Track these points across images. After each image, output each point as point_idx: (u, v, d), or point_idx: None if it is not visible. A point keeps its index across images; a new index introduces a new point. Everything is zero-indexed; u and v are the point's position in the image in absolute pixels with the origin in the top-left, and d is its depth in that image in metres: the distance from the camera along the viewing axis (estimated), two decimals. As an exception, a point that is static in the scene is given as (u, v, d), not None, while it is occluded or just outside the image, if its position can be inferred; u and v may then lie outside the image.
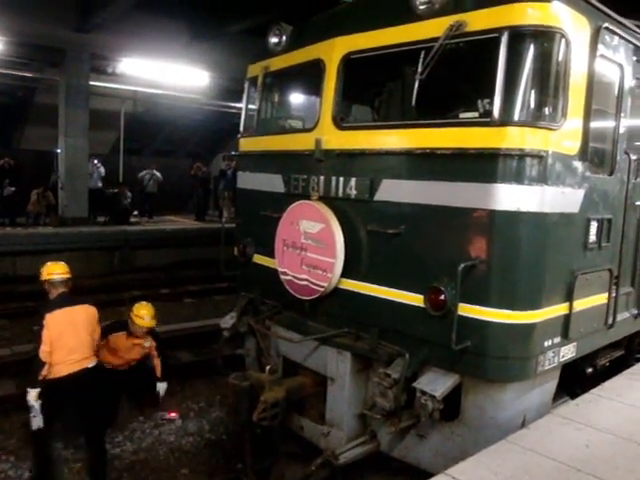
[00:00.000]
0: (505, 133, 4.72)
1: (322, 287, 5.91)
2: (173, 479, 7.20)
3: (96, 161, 21.89)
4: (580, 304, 5.32)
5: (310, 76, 6.61)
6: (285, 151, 6.68)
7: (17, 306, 13.64)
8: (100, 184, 21.91)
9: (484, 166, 4.78)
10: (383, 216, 5.52)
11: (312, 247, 6.02)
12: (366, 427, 5.95)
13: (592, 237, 5.47)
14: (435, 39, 5.02)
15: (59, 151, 20.57)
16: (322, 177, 6.06)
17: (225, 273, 7.66)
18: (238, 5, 17.35)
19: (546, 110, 4.97)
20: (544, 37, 4.83)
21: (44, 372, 6.31)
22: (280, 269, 6.45)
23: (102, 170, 22.14)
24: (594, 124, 5.18)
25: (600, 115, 5.40)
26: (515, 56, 4.75)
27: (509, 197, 4.70)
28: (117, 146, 25.02)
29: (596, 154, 5.49)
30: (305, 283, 6.11)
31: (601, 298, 5.75)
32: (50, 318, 6.39)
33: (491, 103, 4.87)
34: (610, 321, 5.89)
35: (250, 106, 7.61)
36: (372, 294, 5.64)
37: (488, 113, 4.99)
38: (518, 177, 4.70)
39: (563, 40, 4.83)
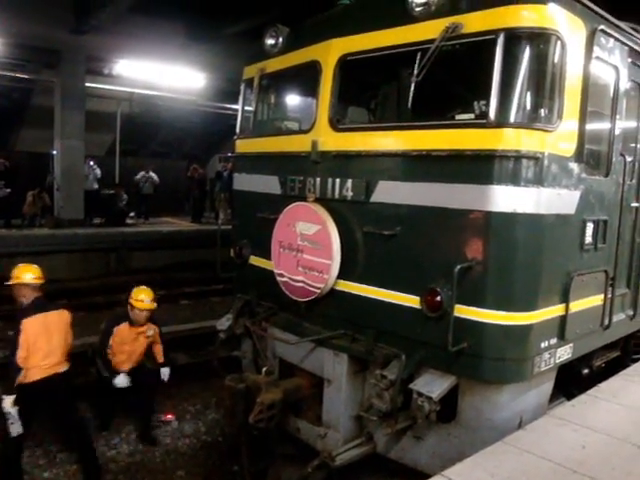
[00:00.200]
0: (501, 135, 4.73)
1: (318, 289, 5.90)
2: (169, 481, 7.20)
3: (92, 162, 21.86)
4: (576, 305, 5.33)
5: (306, 78, 6.60)
6: (281, 153, 6.68)
7: (13, 308, 13.56)
8: (96, 186, 21.89)
9: (480, 168, 4.78)
10: (379, 218, 5.52)
11: (308, 249, 6.01)
12: (363, 429, 5.95)
13: (588, 238, 5.48)
14: (431, 41, 5.03)
15: (55, 152, 20.54)
16: (318, 179, 6.06)
17: (221, 275, 7.66)
18: (234, 7, 17.36)
19: (542, 112, 4.98)
20: (540, 39, 4.84)
21: (20, 378, 6.27)
22: (276, 271, 6.45)
23: (98, 172, 22.11)
24: (590, 126, 5.19)
25: (596, 117, 5.41)
26: (511, 58, 4.76)
27: (505, 198, 4.70)
28: (113, 148, 24.99)
29: (592, 156, 5.51)
30: (301, 285, 6.11)
31: (597, 299, 5.76)
32: (27, 323, 6.34)
33: (487, 105, 4.88)
34: (606, 322, 5.90)
35: (246, 108, 7.61)
36: (368, 295, 5.64)
37: (484, 115, 4.99)
38: (514, 179, 4.70)
39: (559, 42, 4.84)
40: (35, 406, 6.54)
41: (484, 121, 4.85)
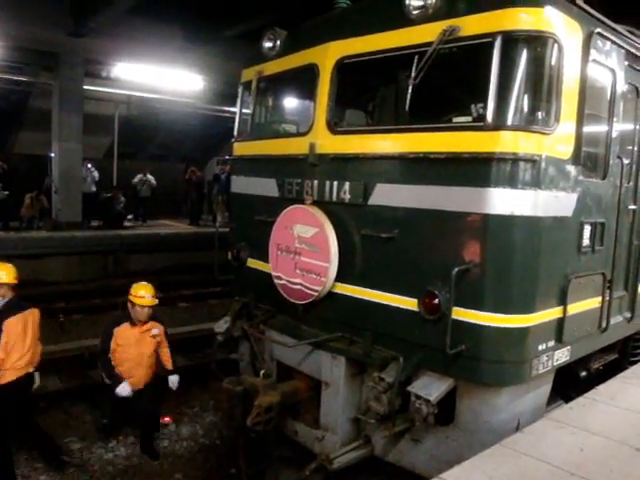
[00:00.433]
0: (498, 137, 4.73)
1: (316, 291, 5.90)
2: (167, 484, 7.19)
3: (90, 165, 21.84)
4: (574, 308, 5.34)
5: (304, 81, 6.61)
6: (279, 155, 6.68)
7: None
8: (94, 188, 21.86)
9: (478, 170, 4.79)
10: (377, 220, 5.52)
11: (306, 251, 6.01)
12: (360, 431, 5.95)
13: (585, 241, 5.48)
14: (428, 44, 5.04)
15: (53, 155, 20.53)
16: (316, 181, 6.06)
17: (219, 277, 7.65)
18: (233, 10, 17.37)
19: (539, 114, 4.98)
20: (537, 42, 4.85)
21: None
22: (274, 273, 6.45)
23: (96, 174, 22.09)
24: (587, 128, 5.20)
25: (593, 119, 5.43)
26: (508, 61, 4.77)
27: (503, 201, 4.70)
28: (111, 150, 24.99)
29: (589, 158, 5.51)
30: (299, 287, 6.11)
31: (595, 302, 5.77)
32: (9, 324, 6.32)
33: (484, 107, 4.89)
34: (604, 325, 5.90)
35: (244, 110, 7.60)
36: (366, 298, 5.64)
37: (481, 117, 5.00)
38: (512, 181, 4.71)
39: (556, 45, 4.86)
40: (9, 408, 6.50)
41: (481, 124, 4.86)
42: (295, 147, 6.33)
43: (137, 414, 7.78)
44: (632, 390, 5.87)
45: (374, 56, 5.65)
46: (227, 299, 8.37)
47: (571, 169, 5.15)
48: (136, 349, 7.38)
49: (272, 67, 6.94)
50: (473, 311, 4.84)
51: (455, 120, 5.92)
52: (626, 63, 5.86)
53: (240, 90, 7.62)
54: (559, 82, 4.92)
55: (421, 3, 5.17)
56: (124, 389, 7.22)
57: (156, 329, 7.57)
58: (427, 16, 5.15)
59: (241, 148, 7.57)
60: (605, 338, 6.17)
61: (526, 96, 4.92)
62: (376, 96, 7.63)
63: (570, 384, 6.22)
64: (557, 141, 4.96)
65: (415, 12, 5.22)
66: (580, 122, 5.13)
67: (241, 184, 7.52)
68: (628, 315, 6.60)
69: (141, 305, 7.34)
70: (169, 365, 7.74)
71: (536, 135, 4.81)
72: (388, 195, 5.42)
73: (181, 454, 7.80)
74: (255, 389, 6.02)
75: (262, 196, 6.91)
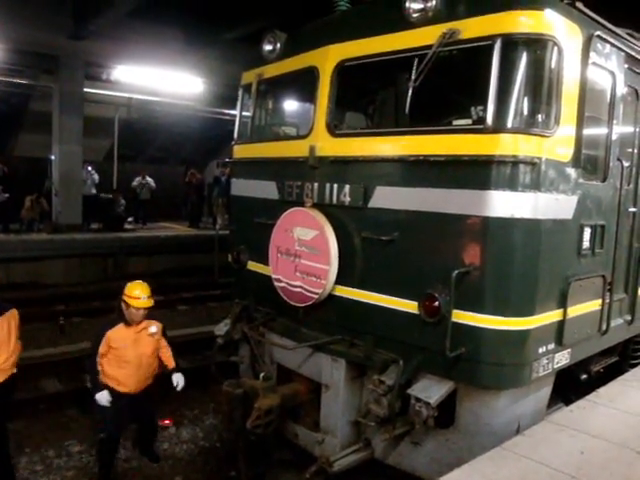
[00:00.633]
0: (498, 140, 4.74)
1: (316, 294, 5.90)
2: (166, 487, 7.17)
3: (90, 168, 21.84)
4: (574, 310, 5.34)
5: (304, 83, 6.62)
6: (279, 158, 6.68)
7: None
8: (94, 191, 21.86)
9: (478, 173, 4.79)
10: (377, 223, 5.53)
11: (306, 254, 6.01)
12: (360, 434, 5.95)
13: (585, 243, 5.49)
14: (428, 47, 5.05)
15: (53, 158, 20.53)
16: (316, 184, 6.06)
17: (219, 280, 7.64)
18: (233, 12, 17.38)
19: (539, 117, 4.99)
20: (537, 45, 4.86)
21: None
22: (274, 276, 6.45)
23: (96, 177, 22.09)
24: (587, 131, 5.21)
25: (593, 122, 5.43)
26: (508, 64, 4.78)
27: (503, 204, 4.71)
28: (111, 153, 24.94)
29: (589, 161, 5.52)
30: (299, 290, 6.11)
31: (595, 304, 5.77)
32: None
33: (484, 110, 4.89)
34: (604, 327, 5.90)
35: (244, 113, 7.61)
36: (366, 301, 5.64)
37: (481, 120, 5.01)
38: (512, 184, 4.71)
39: (556, 48, 4.87)
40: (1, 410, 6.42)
41: (481, 126, 4.87)
42: (295, 150, 6.34)
43: (134, 419, 7.43)
44: (632, 393, 5.87)
45: (374, 59, 5.66)
46: (227, 302, 8.36)
47: (571, 172, 5.16)
48: (134, 350, 6.72)
49: (272, 70, 6.95)
50: (473, 314, 4.84)
51: (455, 123, 5.94)
52: (626, 66, 5.87)
53: (240, 93, 7.63)
54: (559, 85, 4.93)
55: (421, 6, 5.18)
56: (103, 397, 6.60)
57: (153, 327, 6.93)
58: (427, 19, 5.16)
59: (241, 151, 7.58)
60: (605, 341, 6.16)
61: (526, 99, 4.93)
62: (376, 99, 7.64)
63: (570, 387, 6.22)
64: (557, 144, 4.97)
65: (415, 15, 5.23)
66: (580, 125, 5.14)
67: (241, 187, 7.53)
68: (628, 318, 6.60)
69: (136, 307, 6.66)
70: (171, 364, 7.11)
71: (536, 138, 4.82)
72: (388, 198, 5.42)
73: (181, 457, 7.78)
74: (255, 392, 6.01)
75: (262, 199, 6.91)
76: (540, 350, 5.06)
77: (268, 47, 6.95)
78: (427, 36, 5.11)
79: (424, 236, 5.17)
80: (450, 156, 4.93)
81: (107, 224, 21.12)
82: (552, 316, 5.14)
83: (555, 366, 5.33)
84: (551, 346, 5.18)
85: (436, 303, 4.95)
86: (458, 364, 4.92)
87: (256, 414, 5.79)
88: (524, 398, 5.33)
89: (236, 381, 6.39)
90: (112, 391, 6.66)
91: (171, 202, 26.79)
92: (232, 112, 15.45)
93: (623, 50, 5.78)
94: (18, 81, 20.97)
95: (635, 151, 6.38)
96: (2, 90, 21.23)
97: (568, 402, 5.91)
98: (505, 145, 4.72)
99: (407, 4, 5.25)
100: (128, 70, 20.58)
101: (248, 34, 16.48)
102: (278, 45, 6.84)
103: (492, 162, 4.72)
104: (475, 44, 4.88)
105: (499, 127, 4.77)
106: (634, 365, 7.17)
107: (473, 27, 4.86)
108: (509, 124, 4.79)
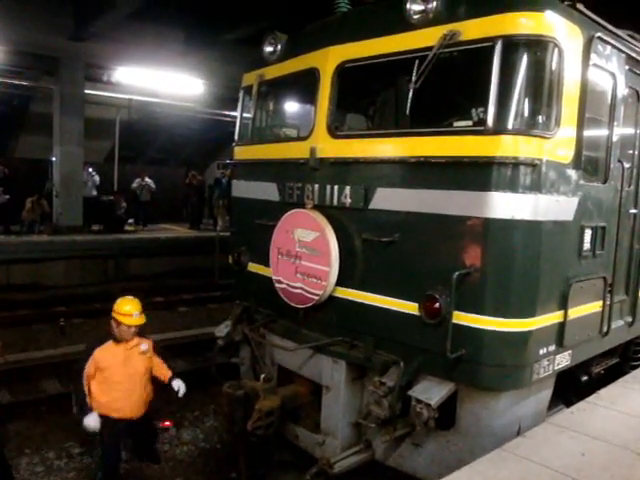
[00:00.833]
0: (499, 141, 4.74)
1: (317, 295, 5.90)
2: (167, 488, 7.17)
3: (91, 169, 21.86)
4: (575, 312, 5.33)
5: (305, 85, 6.62)
6: (280, 159, 6.68)
7: (10, 314, 13.58)
8: (95, 192, 21.88)
9: (478, 174, 4.79)
10: (378, 224, 5.52)
11: (307, 255, 6.01)
12: (361, 436, 5.94)
13: (586, 245, 5.48)
14: (429, 48, 5.05)
15: (54, 159, 20.54)
16: (317, 185, 6.06)
17: (220, 281, 7.64)
18: (233, 14, 17.40)
19: (540, 119, 4.99)
20: (537, 46, 4.86)
21: None
22: (275, 277, 6.44)
23: (97, 178, 22.12)
24: (587, 132, 5.21)
25: (593, 123, 5.43)
26: (509, 65, 4.78)
27: (503, 205, 4.71)
28: (112, 154, 24.95)
29: (590, 162, 5.51)
30: (300, 291, 6.10)
31: (595, 306, 5.76)
32: None
33: (485, 112, 4.90)
34: (605, 329, 5.90)
35: (245, 114, 7.61)
36: (367, 302, 5.64)
37: (482, 122, 5.02)
38: (512, 185, 4.71)
39: (556, 49, 4.87)
40: None
41: (482, 128, 4.87)
42: (296, 151, 6.34)
43: (134, 448, 6.98)
44: (633, 395, 5.87)
45: (375, 60, 5.66)
46: (228, 303, 8.35)
47: (572, 173, 5.15)
48: (126, 369, 6.22)
49: (273, 71, 6.95)
50: (474, 315, 4.83)
51: (456, 124, 5.92)
52: (627, 67, 5.87)
53: (241, 94, 7.63)
54: (559, 86, 4.92)
55: (422, 7, 5.18)
56: (92, 420, 6.08)
57: (144, 344, 6.42)
58: (428, 20, 5.16)
59: (242, 152, 7.58)
60: (606, 342, 6.16)
61: (527, 100, 4.93)
62: (377, 100, 7.64)
63: (571, 388, 6.21)
64: (558, 145, 4.97)
65: (416, 16, 5.23)
66: (581, 126, 5.14)
67: (242, 188, 7.53)
68: (629, 319, 6.60)
69: (128, 325, 6.18)
70: (168, 375, 6.63)
71: (537, 139, 4.82)
72: (389, 199, 5.42)
73: (182, 458, 7.78)
74: (256, 393, 6.01)
75: (263, 200, 6.91)
76: (541, 352, 5.06)
77: (269, 48, 6.96)
78: (428, 37, 5.11)
79: (425, 237, 5.17)
80: (451, 157, 4.93)
81: (108, 226, 21.13)
82: (553, 318, 5.13)
83: (556, 368, 5.33)
84: (552, 348, 5.18)
85: (437, 304, 4.94)
86: (459, 365, 4.92)
87: (257, 415, 5.79)
88: (525, 400, 5.33)
89: (237, 383, 6.39)
90: (106, 419, 6.17)
91: (171, 204, 26.81)
92: (233, 113, 15.46)
93: (624, 51, 5.78)
94: (19, 83, 21.00)
95: (636, 152, 6.38)
96: (3, 92, 21.25)
97: (569, 404, 5.90)
98: (506, 146, 4.72)
99: (408, 5, 5.25)
100: (129, 71, 20.59)
101: (249, 35, 16.49)
102: (279, 46, 6.84)
103: (493, 163, 4.72)
104: (476, 45, 4.88)
105: (500, 128, 4.76)
106: (635, 367, 7.17)
107: (474, 28, 4.86)
108: (510, 125, 4.79)
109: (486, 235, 4.78)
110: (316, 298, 5.91)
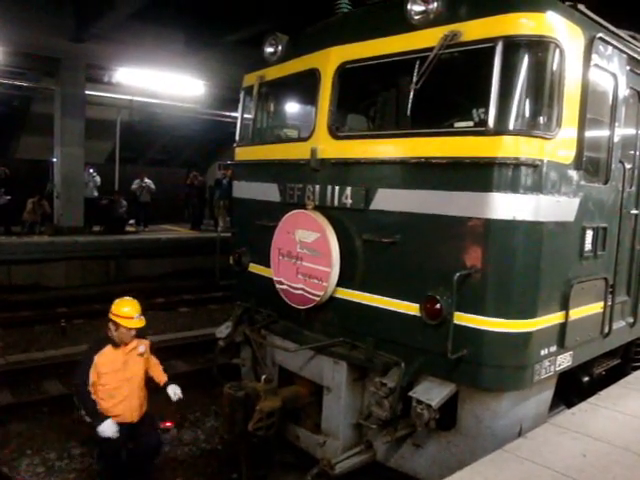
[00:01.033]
0: (500, 142, 4.74)
1: (318, 296, 5.89)
2: (168, 489, 7.16)
3: (92, 170, 21.89)
4: (576, 313, 5.32)
5: (305, 85, 6.61)
6: (281, 160, 6.68)
7: (12, 315, 13.59)
8: (96, 193, 21.91)
9: (479, 175, 4.79)
10: (379, 225, 5.52)
11: (308, 256, 6.01)
12: (362, 437, 5.93)
13: (587, 246, 5.48)
14: (430, 49, 5.04)
15: (55, 160, 20.56)
16: (318, 186, 6.06)
17: (221, 282, 7.63)
18: (234, 14, 17.41)
19: (541, 119, 4.99)
20: (538, 47, 4.85)
21: None
22: (275, 278, 6.44)
23: (98, 179, 22.15)
24: (589, 133, 5.20)
25: (595, 124, 5.42)
26: (510, 66, 4.77)
27: (504, 206, 4.70)
28: (113, 155, 24.98)
29: (591, 163, 5.51)
30: (301, 292, 6.10)
31: (597, 307, 5.76)
32: None
33: (486, 112, 4.89)
34: (606, 330, 5.90)
35: (246, 115, 7.62)
36: (368, 303, 5.64)
37: (483, 122, 5.01)
38: (513, 186, 4.71)
39: (557, 50, 4.86)
40: None
41: (483, 129, 4.86)
42: (297, 152, 6.34)
43: (136, 451, 6.45)
44: (634, 396, 5.86)
45: (375, 61, 5.66)
46: (229, 304, 8.35)
47: (573, 174, 5.15)
48: (124, 374, 6.10)
49: (274, 72, 6.95)
50: (475, 316, 4.83)
51: (457, 125, 5.92)
52: (628, 68, 5.87)
53: (242, 95, 7.63)
54: (561, 87, 4.92)
55: (422, 8, 5.18)
56: (110, 428, 5.89)
57: (142, 346, 6.29)
58: (428, 21, 5.16)
59: (243, 153, 7.58)
60: (607, 343, 6.15)
61: (528, 101, 4.93)
62: (377, 101, 7.63)
63: (572, 389, 6.21)
64: (559, 146, 4.96)
65: (416, 17, 5.23)
66: (582, 127, 5.13)
67: (243, 189, 7.53)
68: (631, 320, 6.59)
69: (128, 327, 6.01)
70: (163, 378, 6.53)
71: (538, 140, 4.81)
72: (390, 200, 5.42)
73: (183, 459, 7.77)
74: (257, 394, 6.00)
75: (264, 201, 6.91)
76: (542, 352, 5.05)
77: (269, 49, 6.96)
78: (428, 38, 5.11)
79: (426, 238, 5.17)
80: (452, 158, 4.93)
81: (108, 227, 21.14)
82: (554, 318, 5.12)
83: (557, 368, 5.32)
84: (553, 348, 5.17)
85: (438, 305, 4.94)
86: (460, 366, 4.91)
87: (258, 416, 5.79)
88: (526, 400, 5.32)
89: (238, 383, 6.37)
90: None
91: (172, 205, 26.83)
92: (233, 114, 15.46)
93: (625, 52, 5.78)
94: (20, 84, 21.04)
95: (637, 153, 6.37)
96: (4, 92, 21.30)
97: (570, 405, 5.89)
98: (507, 147, 4.72)
99: (409, 6, 5.25)
100: (129, 72, 20.62)
101: (249, 36, 16.52)
102: (279, 47, 6.84)
103: (494, 164, 4.72)
104: (477, 46, 4.87)
105: (501, 129, 4.76)
106: (636, 368, 7.16)
107: (474, 29, 4.85)
108: (511, 126, 4.79)
109: (487, 236, 4.78)
110: (317, 299, 5.91)
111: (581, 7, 5.16)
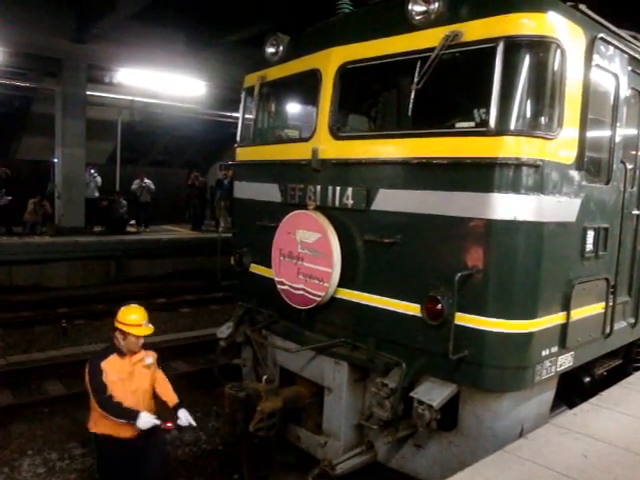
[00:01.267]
0: (501, 142, 4.73)
1: (319, 297, 5.89)
2: (169, 490, 7.15)
3: (93, 171, 21.90)
4: (577, 313, 5.32)
5: (307, 86, 6.61)
6: (282, 161, 6.67)
7: (13, 316, 13.61)
8: (97, 194, 21.93)
9: (480, 175, 4.78)
10: (380, 226, 5.52)
11: (309, 257, 6.01)
12: (363, 437, 5.93)
13: (589, 246, 5.47)
14: (431, 49, 5.04)
15: (56, 160, 20.58)
16: (319, 187, 6.06)
17: (222, 283, 7.63)
18: (235, 15, 17.42)
19: (542, 119, 4.98)
20: (540, 47, 4.85)
21: None
22: (277, 279, 6.44)
23: (99, 180, 22.16)
24: (590, 133, 5.19)
25: (596, 124, 5.42)
26: (511, 66, 4.76)
27: (506, 206, 4.70)
28: (114, 156, 25.01)
29: (592, 163, 5.50)
30: (302, 293, 6.10)
31: (598, 307, 5.75)
32: None
33: (487, 113, 4.89)
34: (607, 330, 5.89)
35: (247, 116, 7.62)
36: (369, 304, 5.63)
37: (484, 123, 5.01)
38: (515, 186, 4.70)
39: (558, 50, 4.86)
40: None
41: (484, 129, 4.86)
42: (298, 152, 6.33)
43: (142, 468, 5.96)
44: (636, 396, 5.85)
45: (376, 61, 5.65)
46: (230, 304, 8.35)
47: (574, 174, 5.14)
48: (130, 385, 5.76)
49: (275, 72, 6.94)
50: (476, 317, 4.82)
51: (458, 125, 5.91)
52: (629, 68, 5.86)
53: (243, 95, 7.63)
54: (562, 87, 4.91)
55: (423, 8, 5.17)
56: (147, 419, 5.59)
57: (150, 357, 5.99)
58: (430, 21, 5.15)
59: (244, 153, 7.58)
60: (609, 344, 6.14)
61: (529, 101, 4.92)
62: (379, 101, 7.63)
63: (574, 390, 6.20)
64: (560, 146, 4.96)
65: (418, 17, 5.23)
66: (583, 127, 5.13)
67: (244, 189, 7.52)
68: (632, 321, 6.59)
69: (137, 335, 5.71)
70: (174, 399, 6.07)
71: (539, 140, 4.80)
72: (391, 200, 5.41)
73: (184, 459, 7.78)
74: (258, 395, 6.00)
75: (265, 201, 6.91)
76: (543, 353, 5.04)
77: (271, 50, 6.95)
78: (430, 38, 5.10)
79: (427, 239, 5.16)
80: (453, 159, 4.93)
81: (109, 227, 21.16)
82: (555, 319, 5.12)
83: (558, 369, 5.31)
84: (554, 349, 5.17)
85: (439, 306, 4.93)
86: (461, 367, 4.91)
87: (259, 417, 5.78)
88: (527, 401, 5.31)
89: (239, 384, 6.38)
90: (110, 439, 5.71)
91: (174, 205, 26.85)
92: (234, 115, 15.48)
93: (626, 52, 5.77)
94: (21, 84, 21.06)
95: (638, 153, 6.37)
96: (5, 93, 21.32)
97: (571, 405, 5.89)
98: (508, 147, 4.71)
99: (410, 6, 5.24)
100: (130, 73, 20.65)
101: (250, 36, 16.54)
102: (281, 48, 6.84)
103: (495, 164, 4.71)
104: (478, 46, 4.87)
105: (502, 129, 4.75)
106: (638, 368, 7.15)
107: (476, 29, 4.85)
108: (512, 126, 4.78)
109: (488, 236, 4.77)
110: (318, 299, 5.91)
111: (582, 7, 5.15)
